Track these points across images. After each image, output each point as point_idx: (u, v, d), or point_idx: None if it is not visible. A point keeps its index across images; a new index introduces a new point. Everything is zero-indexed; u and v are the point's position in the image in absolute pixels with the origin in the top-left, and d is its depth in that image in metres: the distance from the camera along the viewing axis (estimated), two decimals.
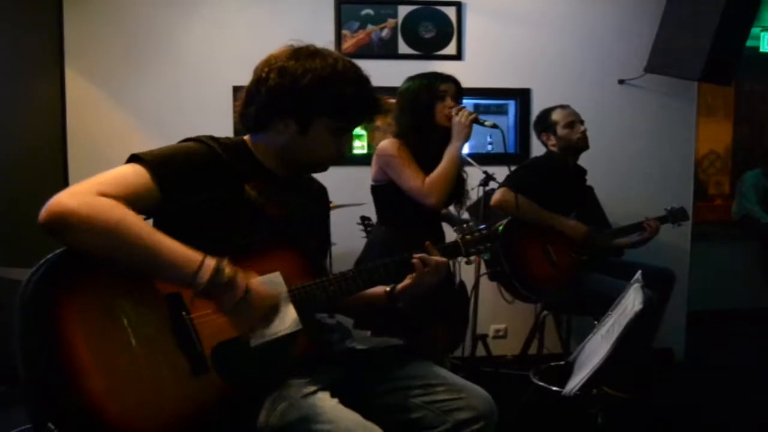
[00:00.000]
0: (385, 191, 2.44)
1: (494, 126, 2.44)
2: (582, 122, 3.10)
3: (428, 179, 2.31)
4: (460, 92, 2.47)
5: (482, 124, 2.42)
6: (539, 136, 3.21)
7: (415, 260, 1.58)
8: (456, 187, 2.50)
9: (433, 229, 2.46)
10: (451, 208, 2.64)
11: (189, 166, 1.37)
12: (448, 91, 2.41)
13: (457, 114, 2.36)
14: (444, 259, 1.62)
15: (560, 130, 3.07)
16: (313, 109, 1.46)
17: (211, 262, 1.23)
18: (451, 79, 2.45)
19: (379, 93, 1.56)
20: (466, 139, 2.37)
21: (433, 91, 2.40)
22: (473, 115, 2.36)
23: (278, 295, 1.34)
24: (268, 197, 1.49)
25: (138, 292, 1.27)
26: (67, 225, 1.15)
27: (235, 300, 1.25)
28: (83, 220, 1.16)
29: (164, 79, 3.49)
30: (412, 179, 2.32)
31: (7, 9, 3.01)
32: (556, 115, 3.10)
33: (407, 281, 1.61)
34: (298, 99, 1.44)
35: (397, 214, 2.44)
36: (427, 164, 2.34)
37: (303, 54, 1.46)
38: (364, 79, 1.50)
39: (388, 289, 1.65)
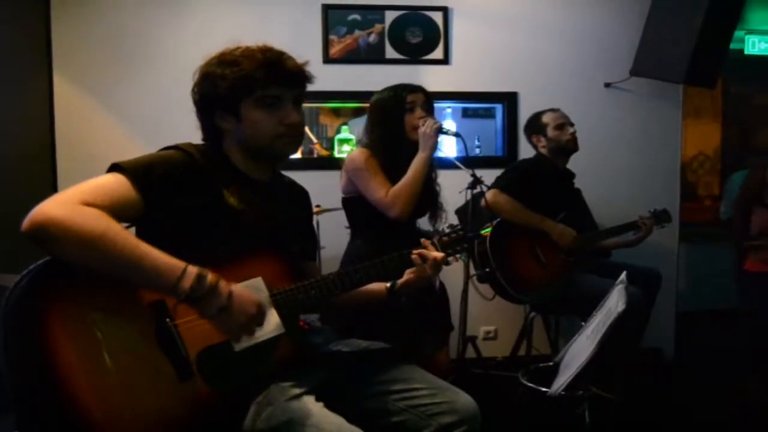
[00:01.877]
0: (356, 203, 2.42)
1: (457, 135, 2.45)
2: (572, 125, 3.13)
3: (392, 191, 2.28)
4: (429, 101, 2.45)
5: (446, 133, 2.40)
6: (529, 139, 3.23)
7: (414, 256, 1.62)
8: (429, 201, 2.50)
9: (409, 240, 2.43)
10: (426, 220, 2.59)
11: (169, 173, 1.38)
12: (416, 102, 2.38)
13: (423, 124, 2.33)
14: (442, 254, 1.65)
15: (551, 132, 3.10)
16: (229, 92, 1.47)
17: (193, 270, 1.23)
18: (418, 89, 2.42)
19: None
20: (433, 150, 2.34)
21: (400, 103, 2.37)
22: (437, 125, 2.33)
23: (261, 299, 1.35)
24: (248, 202, 1.50)
25: (122, 301, 1.27)
26: (50, 235, 1.16)
27: (218, 306, 1.25)
28: (67, 230, 1.16)
29: (153, 84, 3.49)
30: (376, 190, 2.30)
31: None
32: (546, 118, 3.13)
33: (408, 276, 1.65)
34: (211, 91, 1.48)
35: (371, 226, 2.42)
36: (398, 178, 2.32)
37: (207, 60, 1.52)
38: (266, 50, 1.50)
39: (388, 285, 1.68)
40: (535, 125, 3.17)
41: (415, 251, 1.63)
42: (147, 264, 1.21)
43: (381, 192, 2.29)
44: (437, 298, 2.55)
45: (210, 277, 1.24)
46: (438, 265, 1.64)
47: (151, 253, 1.22)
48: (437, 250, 1.66)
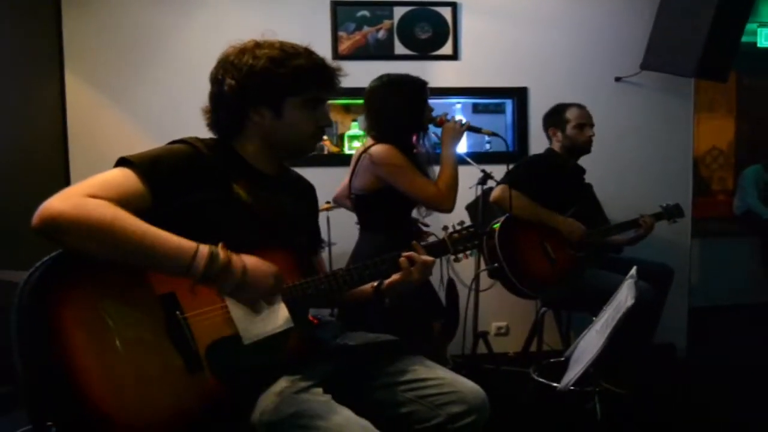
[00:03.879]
0: (375, 199, 2.42)
1: (494, 134, 2.54)
2: (592, 125, 3.12)
3: (443, 185, 2.36)
4: None
5: (478, 132, 2.54)
6: (546, 130, 3.21)
7: (402, 258, 1.61)
8: None
9: (413, 230, 2.48)
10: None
11: (177, 167, 1.39)
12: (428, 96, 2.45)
13: (447, 119, 2.45)
14: (431, 258, 1.64)
15: (569, 129, 3.09)
16: (279, 89, 1.50)
17: (205, 249, 1.25)
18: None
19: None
20: (458, 143, 2.46)
21: (425, 94, 2.42)
22: (467, 122, 2.46)
23: (275, 271, 1.36)
24: (257, 195, 1.51)
25: (133, 293, 1.29)
26: (60, 228, 1.17)
27: (234, 282, 1.27)
28: (76, 222, 1.17)
29: (163, 81, 3.52)
30: (426, 187, 2.34)
31: (7, 13, 3.03)
32: (569, 113, 3.11)
33: (394, 278, 1.64)
34: (261, 85, 1.48)
35: (385, 218, 2.44)
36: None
37: (248, 47, 1.52)
38: (308, 50, 1.54)
39: (375, 284, 1.68)
40: (557, 118, 3.15)
41: (404, 254, 1.62)
42: (159, 247, 1.23)
43: (431, 188, 2.35)
44: (433, 289, 2.56)
45: (222, 254, 1.26)
46: (426, 268, 1.63)
47: (162, 236, 1.24)
48: (425, 253, 1.64)
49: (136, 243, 1.21)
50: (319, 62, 1.53)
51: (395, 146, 2.34)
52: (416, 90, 2.41)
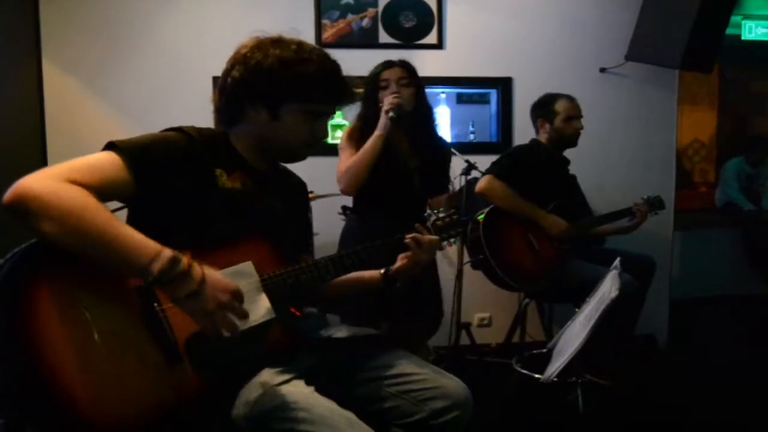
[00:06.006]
0: None
1: (394, 119, 2.38)
2: (580, 118, 3.11)
3: (343, 165, 2.38)
4: (410, 75, 2.48)
5: (391, 119, 2.35)
6: (534, 120, 3.18)
7: (408, 240, 1.60)
8: (436, 175, 2.51)
9: (412, 217, 2.40)
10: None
11: (166, 155, 1.35)
12: (390, 79, 2.43)
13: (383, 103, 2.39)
14: (436, 237, 1.64)
15: (558, 122, 3.07)
16: (280, 92, 1.46)
17: (168, 253, 1.18)
18: (395, 64, 2.47)
19: (353, 80, 1.57)
20: (384, 129, 2.35)
21: (374, 80, 2.44)
22: (391, 105, 2.34)
23: (242, 286, 1.30)
24: (247, 188, 1.49)
25: (109, 285, 1.25)
26: (28, 209, 1.13)
27: (187, 291, 1.19)
28: (45, 206, 1.13)
29: (144, 70, 3.45)
30: (340, 164, 2.41)
31: None
32: (559, 105, 3.09)
33: (403, 261, 1.63)
34: (263, 84, 1.44)
35: (372, 201, 2.43)
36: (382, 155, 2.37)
37: (265, 42, 1.48)
38: (328, 61, 1.50)
39: (382, 271, 1.66)
40: (546, 110, 3.12)
41: (408, 235, 1.61)
42: (118, 244, 1.17)
43: (340, 166, 2.40)
44: (429, 285, 2.54)
45: (184, 261, 1.19)
46: (433, 248, 1.63)
47: (125, 233, 1.19)
48: (431, 234, 1.64)
49: (97, 235, 1.16)
50: (329, 73, 1.48)
51: (354, 128, 2.49)
52: (370, 78, 2.47)
